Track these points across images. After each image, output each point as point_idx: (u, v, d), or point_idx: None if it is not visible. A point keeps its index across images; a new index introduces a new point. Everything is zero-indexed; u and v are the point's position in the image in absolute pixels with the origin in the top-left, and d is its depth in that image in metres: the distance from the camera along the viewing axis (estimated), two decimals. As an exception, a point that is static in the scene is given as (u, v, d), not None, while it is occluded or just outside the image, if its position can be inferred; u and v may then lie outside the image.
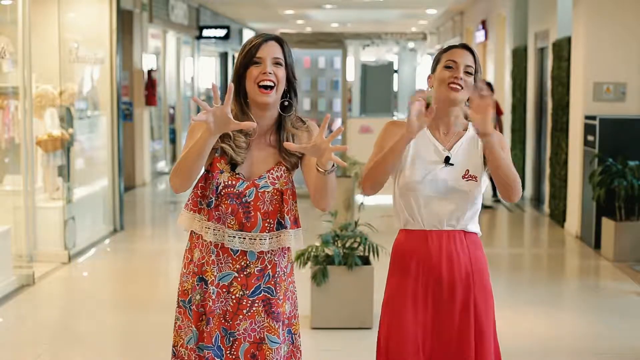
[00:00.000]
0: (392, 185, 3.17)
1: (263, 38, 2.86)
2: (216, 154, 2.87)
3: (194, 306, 2.91)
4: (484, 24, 16.36)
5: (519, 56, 12.59)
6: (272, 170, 2.88)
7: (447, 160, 3.08)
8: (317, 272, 5.55)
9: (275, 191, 2.87)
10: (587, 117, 8.69)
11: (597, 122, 8.37)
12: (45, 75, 7.91)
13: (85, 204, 8.53)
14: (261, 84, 2.81)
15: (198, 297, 2.90)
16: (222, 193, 2.85)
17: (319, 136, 2.67)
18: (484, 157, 3.10)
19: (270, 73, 2.81)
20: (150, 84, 13.79)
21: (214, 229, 2.86)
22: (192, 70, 18.47)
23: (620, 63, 8.66)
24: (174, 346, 3.00)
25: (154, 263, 8.17)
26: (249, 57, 2.82)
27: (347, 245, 5.68)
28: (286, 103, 2.90)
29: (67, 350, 5.41)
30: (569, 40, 9.43)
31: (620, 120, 8.44)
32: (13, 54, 7.37)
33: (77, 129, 8.52)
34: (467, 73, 3.09)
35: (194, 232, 2.95)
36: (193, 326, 2.91)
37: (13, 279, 6.69)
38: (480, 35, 16.65)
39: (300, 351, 3.03)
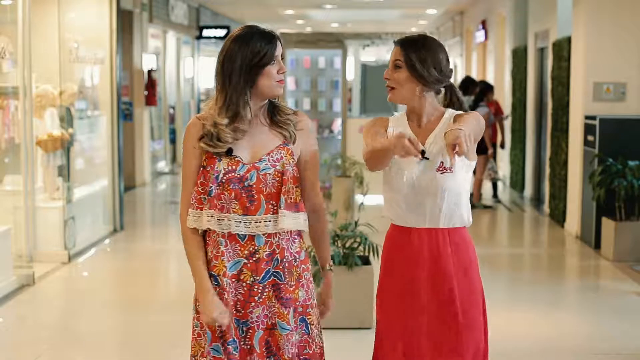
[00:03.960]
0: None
1: (273, 41, 2.91)
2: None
3: None
4: (484, 24, 16.36)
5: (519, 56, 12.59)
6: (272, 153, 2.90)
7: (422, 155, 2.95)
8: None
9: (276, 173, 2.89)
10: (587, 117, 8.69)
11: (597, 122, 8.37)
12: (45, 75, 7.90)
13: (85, 204, 8.53)
14: (279, 79, 2.94)
15: None
16: (223, 180, 2.85)
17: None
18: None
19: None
20: (150, 84, 13.79)
21: (218, 218, 2.86)
22: (192, 70, 18.47)
23: (620, 63, 8.66)
24: (193, 356, 2.94)
25: (154, 263, 8.17)
26: (267, 59, 2.89)
27: (347, 245, 5.68)
28: None
29: (67, 350, 5.42)
30: (569, 40, 9.43)
31: (620, 120, 8.44)
32: (13, 54, 7.36)
33: (77, 129, 8.52)
34: (396, 67, 3.04)
35: (204, 232, 2.93)
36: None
37: (13, 279, 6.69)
38: (480, 35, 16.65)
39: (316, 344, 3.01)
